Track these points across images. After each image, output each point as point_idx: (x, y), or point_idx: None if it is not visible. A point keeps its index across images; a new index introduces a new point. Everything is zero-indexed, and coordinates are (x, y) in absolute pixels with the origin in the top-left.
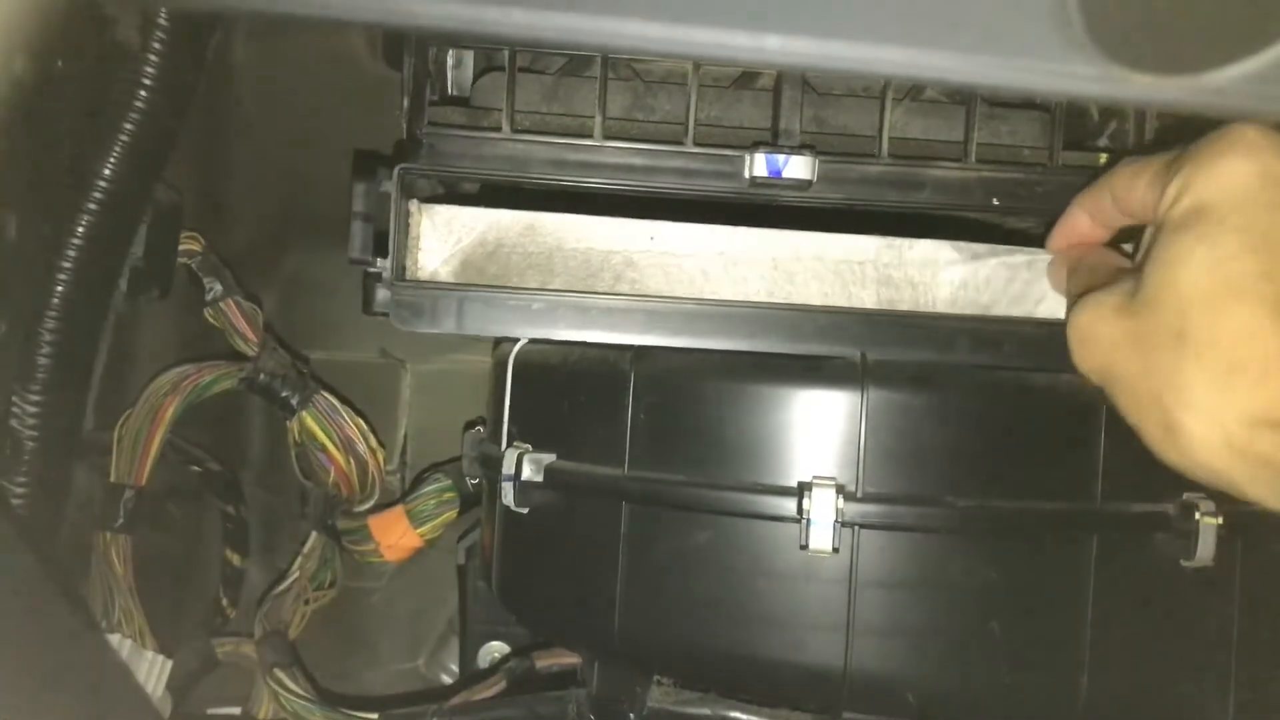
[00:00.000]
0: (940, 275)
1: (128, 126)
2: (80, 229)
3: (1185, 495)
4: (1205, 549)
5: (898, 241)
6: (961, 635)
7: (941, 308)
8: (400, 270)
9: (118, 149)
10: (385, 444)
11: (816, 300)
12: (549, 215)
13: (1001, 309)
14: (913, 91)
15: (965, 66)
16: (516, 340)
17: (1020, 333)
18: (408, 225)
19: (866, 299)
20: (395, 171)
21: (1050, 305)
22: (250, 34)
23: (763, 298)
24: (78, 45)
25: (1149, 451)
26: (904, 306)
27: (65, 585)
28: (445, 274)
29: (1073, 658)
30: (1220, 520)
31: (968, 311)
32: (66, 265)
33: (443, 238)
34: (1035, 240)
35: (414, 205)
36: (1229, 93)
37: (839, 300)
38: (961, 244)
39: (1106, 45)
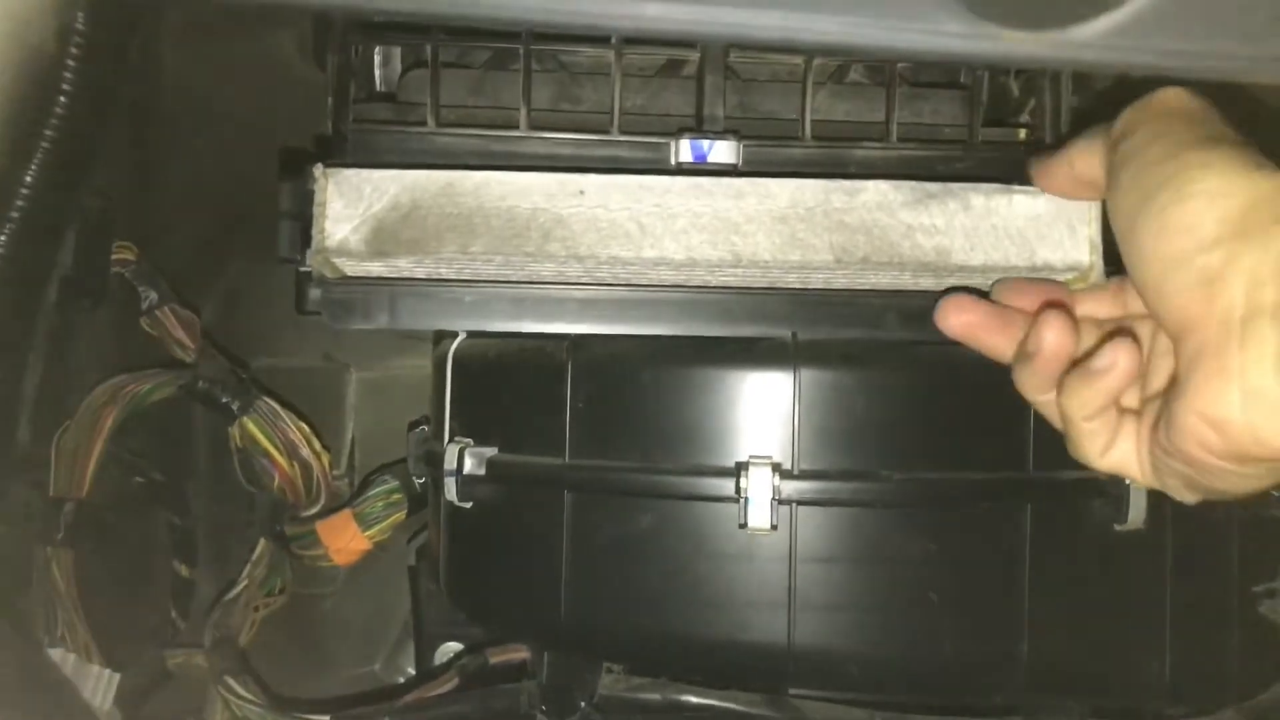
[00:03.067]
0: (897, 217)
1: (48, 133)
2: (3, 237)
3: None
4: (1136, 512)
5: (846, 184)
6: (901, 607)
7: (902, 253)
8: (307, 240)
9: (39, 156)
10: (332, 449)
11: (766, 253)
12: (468, 173)
13: (959, 253)
14: (836, 74)
15: (843, 29)
16: (456, 336)
17: None
18: (312, 192)
19: (819, 248)
20: (320, 168)
21: (1007, 247)
22: (178, 39)
23: (708, 251)
24: None
25: None
26: (860, 254)
27: (3, 600)
28: (355, 242)
29: (1012, 625)
30: None
31: (928, 257)
32: None
33: (352, 203)
34: None
35: (318, 170)
36: (1094, 46)
37: (791, 251)
38: (915, 184)
39: (975, 3)
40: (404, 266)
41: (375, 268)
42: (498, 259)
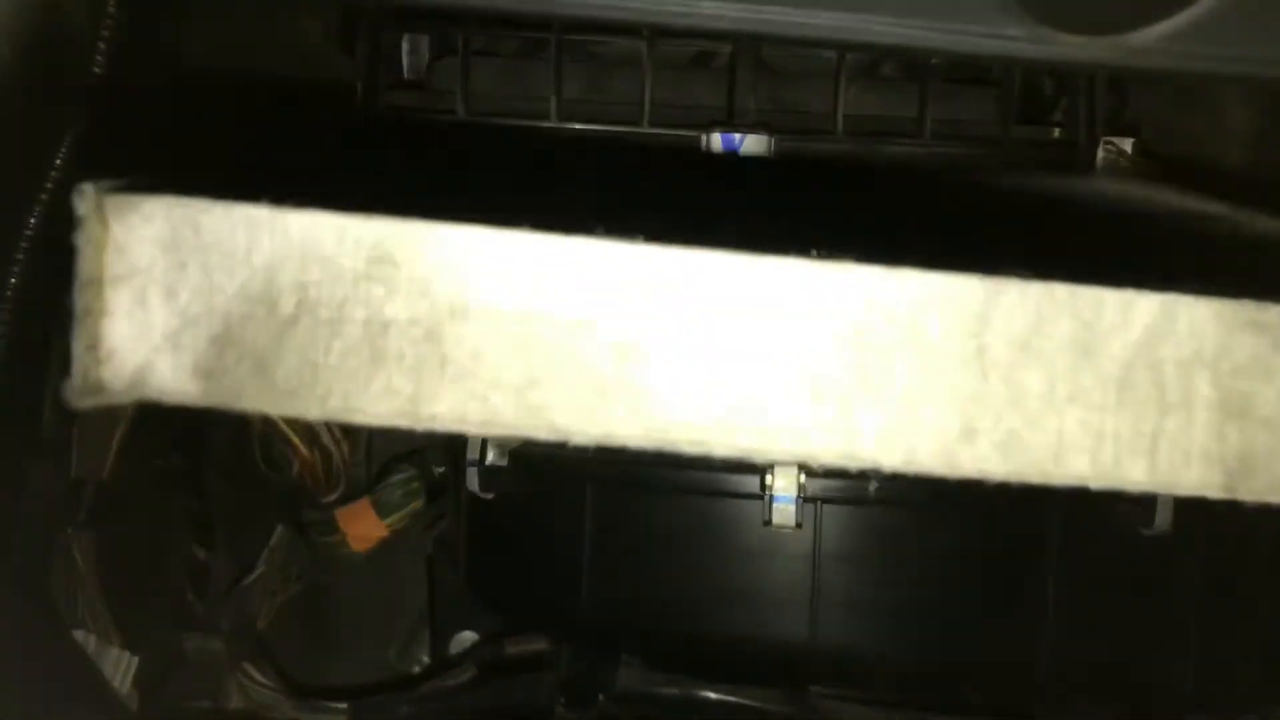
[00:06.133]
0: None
1: (79, 115)
2: (33, 219)
3: None
4: (1164, 516)
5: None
6: (925, 607)
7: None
8: None
9: (69, 138)
10: (350, 435)
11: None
12: (423, 230)
13: None
14: (868, 69)
15: (900, 30)
16: None
17: None
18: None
19: None
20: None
21: None
22: (203, 23)
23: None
24: (25, 34)
25: None
26: None
27: (29, 581)
28: (174, 384)
29: (1036, 626)
30: None
31: None
32: (20, 257)
33: (157, 289)
34: None
35: (85, 197)
36: (1151, 52)
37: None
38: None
39: (1035, 8)
40: None
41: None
42: None
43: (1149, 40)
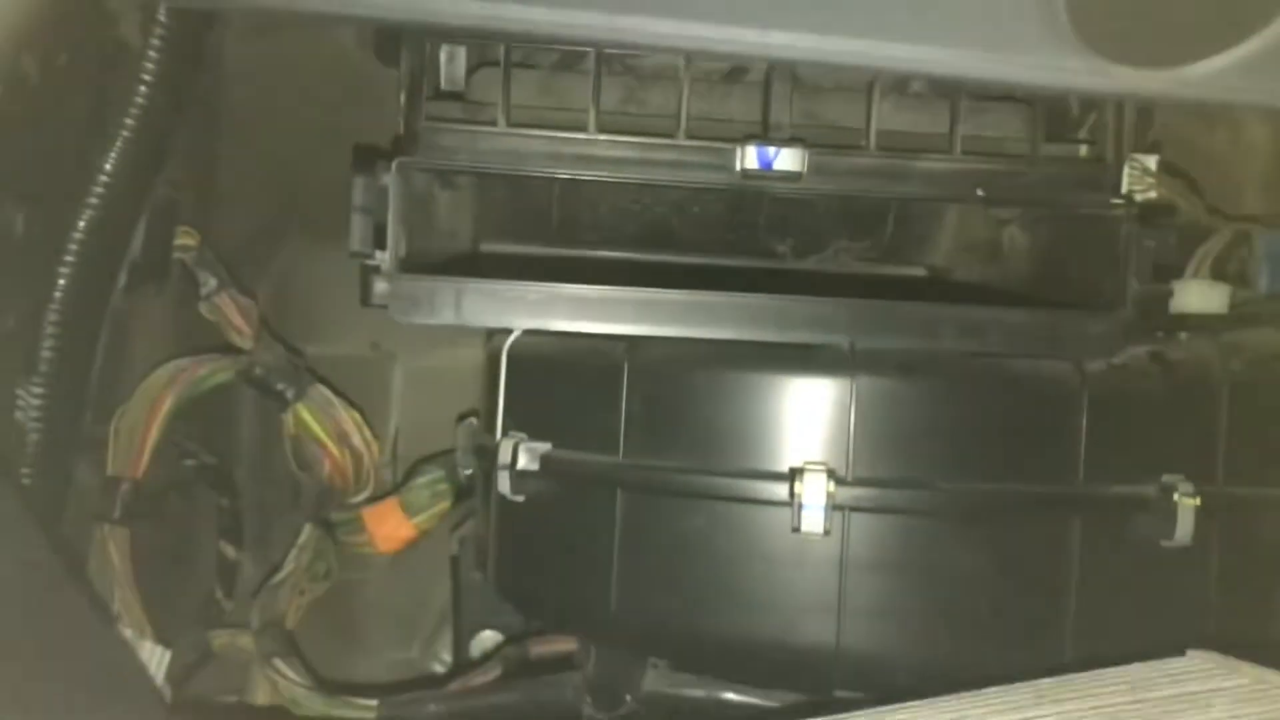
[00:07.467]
0: None
1: (129, 122)
2: (82, 224)
3: (1164, 477)
4: (1184, 529)
5: None
6: (949, 614)
7: None
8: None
9: (119, 144)
10: (380, 437)
11: None
12: None
13: None
14: (899, 85)
15: (956, 60)
16: (510, 332)
17: (1005, 321)
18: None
19: None
20: (394, 165)
21: None
22: (242, 31)
23: None
24: (80, 42)
25: (1129, 435)
26: None
27: (74, 574)
28: None
29: (1057, 636)
30: (1198, 501)
31: None
32: (69, 260)
33: None
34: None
35: None
36: (1207, 85)
37: None
38: None
39: (1091, 40)
40: None
41: None
42: None
43: (1202, 74)
